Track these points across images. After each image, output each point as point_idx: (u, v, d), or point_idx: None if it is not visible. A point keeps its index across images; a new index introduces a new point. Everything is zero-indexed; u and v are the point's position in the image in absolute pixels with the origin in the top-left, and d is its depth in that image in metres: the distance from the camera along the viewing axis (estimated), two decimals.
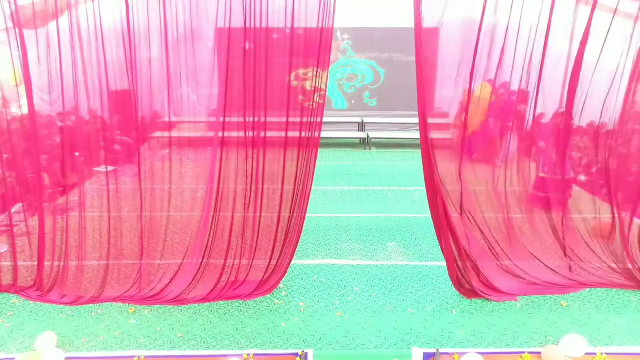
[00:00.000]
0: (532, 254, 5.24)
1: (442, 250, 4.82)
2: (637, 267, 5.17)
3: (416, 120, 4.70)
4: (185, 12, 4.37)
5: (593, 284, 5.04)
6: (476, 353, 3.70)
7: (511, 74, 4.67)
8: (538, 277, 5.06)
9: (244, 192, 4.75)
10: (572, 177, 5.55)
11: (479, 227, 5.00)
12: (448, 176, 4.71)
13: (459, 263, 4.80)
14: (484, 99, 4.79)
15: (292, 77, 4.52)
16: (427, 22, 4.24)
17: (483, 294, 4.78)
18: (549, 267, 5.17)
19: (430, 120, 4.46)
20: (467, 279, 4.81)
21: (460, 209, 4.85)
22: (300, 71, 4.58)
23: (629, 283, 5.05)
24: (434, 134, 4.56)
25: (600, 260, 5.30)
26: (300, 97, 4.64)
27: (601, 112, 5.02)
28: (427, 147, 4.51)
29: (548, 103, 4.93)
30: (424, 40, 4.22)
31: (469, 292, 4.84)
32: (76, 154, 4.74)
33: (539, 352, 3.96)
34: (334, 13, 4.27)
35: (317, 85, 4.45)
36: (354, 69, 12.98)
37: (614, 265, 5.26)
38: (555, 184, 5.33)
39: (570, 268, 5.18)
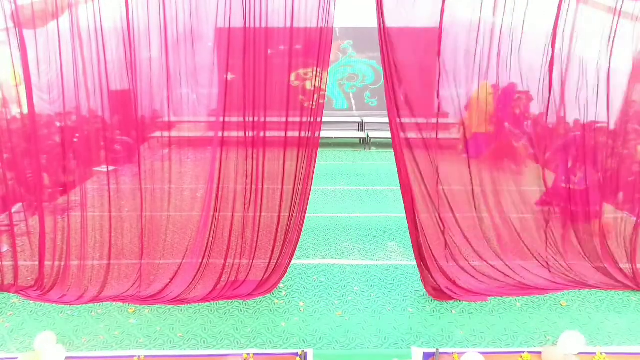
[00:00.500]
0: (523, 255, 5.25)
1: (413, 250, 4.84)
2: (616, 268, 5.17)
3: (415, 120, 4.71)
4: (185, 12, 4.37)
5: (573, 285, 5.01)
6: (476, 352, 3.70)
7: (508, 76, 4.70)
8: (514, 278, 5.05)
9: (244, 192, 4.75)
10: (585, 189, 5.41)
11: (451, 228, 5.00)
12: (427, 176, 4.73)
13: (428, 263, 4.80)
14: (482, 100, 4.81)
15: (292, 77, 4.52)
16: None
17: (452, 294, 4.77)
18: (529, 270, 5.16)
19: (405, 120, 4.52)
20: (435, 279, 4.81)
21: (438, 209, 4.87)
22: (301, 71, 4.58)
23: (619, 284, 5.05)
24: (418, 134, 4.62)
25: (589, 260, 5.29)
26: (301, 97, 4.64)
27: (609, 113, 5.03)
28: (399, 147, 4.54)
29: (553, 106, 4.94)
30: (394, 41, 4.29)
31: (438, 293, 4.83)
32: (77, 140, 4.73)
33: (539, 352, 3.96)
34: (334, 13, 4.28)
35: (317, 85, 4.46)
36: (355, 69, 12.98)
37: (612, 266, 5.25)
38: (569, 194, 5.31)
39: (549, 269, 5.14)
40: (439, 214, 4.84)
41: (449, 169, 4.86)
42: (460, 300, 4.76)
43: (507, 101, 4.97)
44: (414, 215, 4.69)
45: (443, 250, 4.92)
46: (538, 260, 5.21)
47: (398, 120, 4.51)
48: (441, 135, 4.70)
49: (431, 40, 4.48)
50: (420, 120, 4.61)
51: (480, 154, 5.06)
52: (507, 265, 5.13)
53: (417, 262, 4.83)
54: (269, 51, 4.38)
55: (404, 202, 4.70)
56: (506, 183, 5.12)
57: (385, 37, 4.28)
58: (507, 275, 5.06)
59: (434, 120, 4.63)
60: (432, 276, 4.80)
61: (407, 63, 4.43)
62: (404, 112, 4.52)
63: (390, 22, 4.26)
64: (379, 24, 4.27)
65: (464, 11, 4.36)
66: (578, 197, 5.23)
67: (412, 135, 4.59)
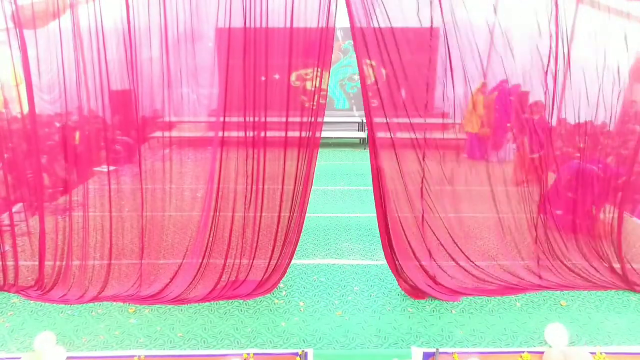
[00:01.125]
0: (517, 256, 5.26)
1: (383, 249, 4.86)
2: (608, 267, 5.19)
3: (415, 120, 4.73)
4: (185, 12, 4.37)
5: (562, 286, 5.00)
6: (476, 354, 3.69)
7: (506, 77, 4.71)
8: (500, 277, 5.06)
9: (244, 192, 4.75)
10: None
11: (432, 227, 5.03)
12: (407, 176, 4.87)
13: (401, 262, 4.82)
14: (475, 101, 4.83)
15: (293, 78, 4.53)
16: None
17: (430, 290, 4.79)
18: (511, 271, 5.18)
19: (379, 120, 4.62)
20: (408, 278, 4.83)
21: (422, 210, 4.90)
22: (302, 71, 4.59)
23: (615, 284, 5.05)
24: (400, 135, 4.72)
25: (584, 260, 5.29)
26: (302, 97, 4.65)
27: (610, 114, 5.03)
28: (374, 147, 4.58)
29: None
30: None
31: (415, 291, 4.84)
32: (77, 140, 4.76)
33: (539, 352, 3.95)
34: (335, 13, 4.28)
35: (318, 85, 4.47)
36: (356, 69, 12.96)
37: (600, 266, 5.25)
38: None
39: (540, 274, 5.12)
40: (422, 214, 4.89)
41: (437, 168, 4.95)
42: (438, 299, 4.78)
43: (506, 102, 4.97)
44: (384, 214, 4.78)
45: (420, 249, 4.96)
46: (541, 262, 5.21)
47: (386, 119, 4.55)
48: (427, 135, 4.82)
49: (421, 40, 4.50)
50: (390, 119, 4.65)
51: (475, 154, 5.07)
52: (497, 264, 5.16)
53: (387, 259, 4.87)
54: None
55: (376, 202, 4.78)
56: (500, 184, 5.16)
57: (378, 36, 4.31)
58: (487, 274, 5.08)
59: (404, 120, 4.66)
60: (404, 273, 4.83)
61: (399, 62, 4.48)
62: (381, 110, 4.58)
63: (382, 22, 4.30)
64: (352, 23, 4.29)
65: (459, 11, 4.38)
66: (579, 205, 5.27)
67: (386, 134, 4.65)
